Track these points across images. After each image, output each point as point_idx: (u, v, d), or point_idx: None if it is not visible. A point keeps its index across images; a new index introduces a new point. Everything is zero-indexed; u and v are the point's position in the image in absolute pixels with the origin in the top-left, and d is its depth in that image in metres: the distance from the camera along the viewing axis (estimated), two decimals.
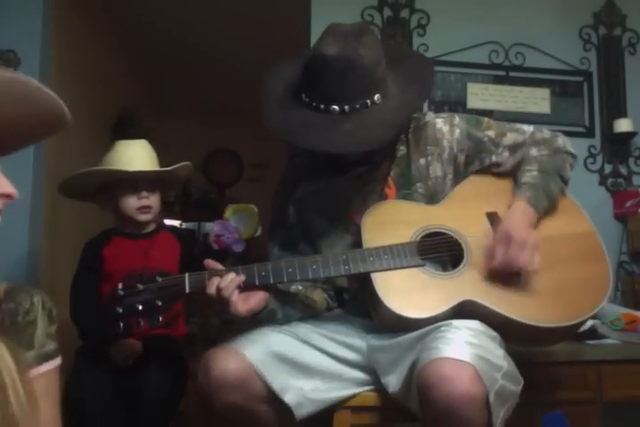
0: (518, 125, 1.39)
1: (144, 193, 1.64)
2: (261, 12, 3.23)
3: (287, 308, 1.29)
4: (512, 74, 2.43)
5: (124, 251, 1.66)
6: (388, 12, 2.39)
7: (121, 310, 1.12)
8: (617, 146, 2.48)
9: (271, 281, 1.17)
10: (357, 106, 1.17)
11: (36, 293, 0.82)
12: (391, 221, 1.25)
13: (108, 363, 1.53)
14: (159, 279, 1.15)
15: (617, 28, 2.56)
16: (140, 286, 1.14)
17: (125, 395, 1.52)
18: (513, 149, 1.34)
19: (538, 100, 2.43)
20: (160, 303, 1.13)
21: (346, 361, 1.25)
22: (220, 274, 1.16)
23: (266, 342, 1.20)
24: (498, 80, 2.42)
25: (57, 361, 0.82)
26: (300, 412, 1.15)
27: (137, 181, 1.63)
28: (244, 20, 3.33)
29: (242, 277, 1.15)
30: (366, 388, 1.25)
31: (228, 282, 1.14)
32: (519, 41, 2.44)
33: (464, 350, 1.01)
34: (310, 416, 1.18)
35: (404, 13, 2.40)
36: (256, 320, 1.25)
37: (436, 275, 1.21)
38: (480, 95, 2.39)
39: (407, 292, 1.18)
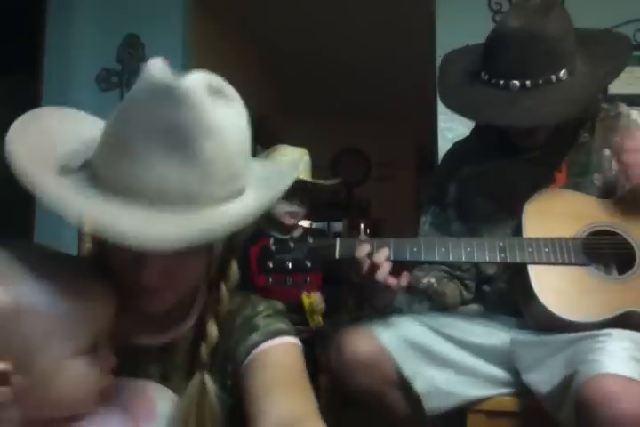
0: None
1: (296, 201, 1.75)
2: (385, 13, 3.22)
3: (414, 305, 1.27)
4: None
5: None
6: None
7: (271, 265, 1.12)
8: None
9: (422, 258, 1.14)
10: (540, 81, 1.12)
11: (257, 300, 0.87)
12: (556, 213, 1.17)
13: None
14: (310, 240, 1.14)
15: None
16: (292, 245, 1.13)
17: None
18: None
19: None
20: (309, 264, 1.12)
21: (483, 353, 1.19)
22: (371, 243, 1.12)
23: (400, 328, 1.18)
24: None
25: (288, 339, 0.82)
26: (430, 403, 1.13)
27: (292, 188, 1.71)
28: (368, 21, 3.35)
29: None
30: (502, 390, 1.19)
31: (383, 255, 1.10)
32: None
33: (631, 365, 0.91)
34: (442, 416, 1.15)
35: None
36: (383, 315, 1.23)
37: (602, 277, 1.10)
38: (624, 79, 2.20)
39: (566, 291, 1.09)
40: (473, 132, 1.42)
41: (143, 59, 2.33)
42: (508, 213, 1.26)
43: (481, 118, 1.19)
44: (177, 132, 0.62)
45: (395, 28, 3.35)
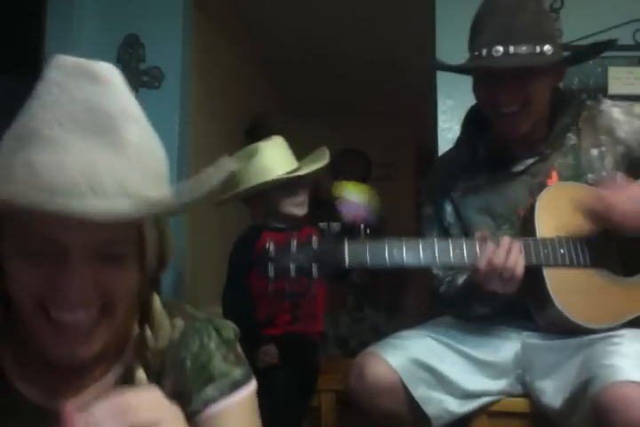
0: None
1: (300, 192, 1.72)
2: (385, 13, 3.22)
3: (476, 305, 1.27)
4: None
5: None
6: None
7: (273, 274, 1.07)
8: None
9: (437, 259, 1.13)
10: (524, 48, 1.09)
11: (205, 329, 0.75)
12: (567, 206, 1.15)
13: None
14: (315, 244, 1.07)
15: None
16: (294, 249, 1.07)
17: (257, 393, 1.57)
18: None
19: None
20: (315, 272, 1.07)
21: (491, 364, 1.20)
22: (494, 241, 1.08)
23: (407, 347, 1.19)
24: None
25: (249, 388, 0.76)
26: (439, 422, 1.15)
27: (292, 184, 1.70)
28: (368, 21, 3.35)
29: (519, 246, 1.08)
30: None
31: (516, 254, 1.06)
32: None
33: None
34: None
35: None
36: None
37: (615, 280, 1.10)
38: (624, 80, 2.19)
39: (582, 294, 1.09)
40: (459, 143, 1.39)
41: (143, 59, 2.33)
42: (510, 226, 1.25)
43: (465, 64, 1.19)
44: (101, 115, 0.56)
45: (395, 28, 3.35)
